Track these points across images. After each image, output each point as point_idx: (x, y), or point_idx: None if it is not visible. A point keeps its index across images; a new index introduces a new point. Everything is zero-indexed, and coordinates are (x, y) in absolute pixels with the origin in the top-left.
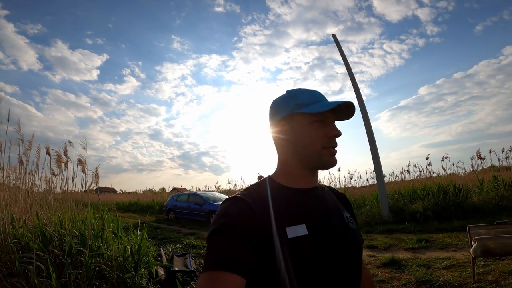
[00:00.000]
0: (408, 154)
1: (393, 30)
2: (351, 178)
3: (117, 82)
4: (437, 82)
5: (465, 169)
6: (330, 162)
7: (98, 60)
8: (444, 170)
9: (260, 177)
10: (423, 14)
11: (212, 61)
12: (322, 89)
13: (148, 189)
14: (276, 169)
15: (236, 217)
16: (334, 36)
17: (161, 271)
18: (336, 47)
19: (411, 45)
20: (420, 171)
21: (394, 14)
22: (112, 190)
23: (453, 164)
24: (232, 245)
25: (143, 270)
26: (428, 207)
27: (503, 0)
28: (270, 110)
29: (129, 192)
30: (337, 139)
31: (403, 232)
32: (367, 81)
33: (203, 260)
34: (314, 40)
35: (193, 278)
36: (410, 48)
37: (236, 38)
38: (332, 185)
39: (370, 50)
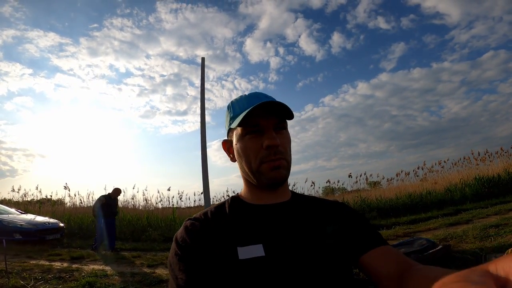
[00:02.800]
0: (227, 182)
1: (247, 70)
2: (180, 198)
3: None
4: None
5: None
6: (272, 177)
7: None
8: None
9: (116, 189)
10: (274, 62)
11: (43, 39)
12: (167, 106)
13: None
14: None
15: (178, 239)
16: (203, 59)
17: None
18: (200, 69)
19: (254, 87)
20: None
21: (255, 56)
22: None
23: None
24: (176, 267)
25: None
26: None
27: (325, 64)
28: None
29: None
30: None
31: None
32: (211, 109)
33: None
34: (180, 56)
35: None
36: (252, 89)
37: (96, 25)
38: (160, 205)
39: (224, 82)
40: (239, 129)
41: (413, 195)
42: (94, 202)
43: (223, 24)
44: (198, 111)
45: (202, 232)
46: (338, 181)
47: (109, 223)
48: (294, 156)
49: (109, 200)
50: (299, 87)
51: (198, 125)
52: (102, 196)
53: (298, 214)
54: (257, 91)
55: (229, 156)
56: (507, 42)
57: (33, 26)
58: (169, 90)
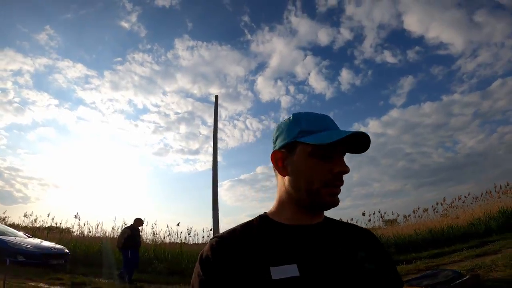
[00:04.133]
0: (236, 221)
1: (259, 109)
2: (188, 234)
3: None
4: (270, 165)
5: None
6: (329, 202)
7: None
8: None
9: (138, 220)
10: (285, 101)
11: (72, 70)
12: (179, 144)
13: None
14: (273, 205)
15: (203, 257)
16: (216, 97)
17: None
18: (214, 107)
19: (265, 127)
20: None
21: (267, 94)
22: None
23: None
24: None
25: None
26: None
27: (335, 102)
28: (273, 134)
29: None
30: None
31: None
32: (223, 149)
33: None
34: (195, 94)
35: None
36: (264, 129)
37: (120, 58)
38: (168, 239)
39: (235, 121)
40: (309, 147)
41: (433, 230)
42: (118, 234)
43: (235, 62)
44: (210, 150)
45: (230, 250)
46: (352, 219)
47: (134, 254)
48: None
49: (133, 231)
50: None
51: (209, 164)
52: (126, 228)
53: (331, 236)
54: (326, 115)
55: (276, 168)
56: None
57: (64, 56)
58: (183, 129)
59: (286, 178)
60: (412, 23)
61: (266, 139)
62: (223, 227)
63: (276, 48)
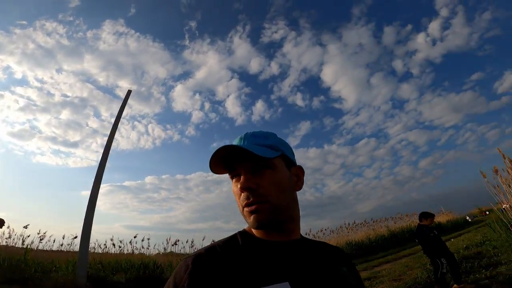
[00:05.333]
0: (109, 230)
1: (167, 116)
2: (40, 240)
3: None
4: (163, 176)
5: (159, 251)
6: (252, 221)
7: None
8: (144, 248)
9: None
10: (196, 116)
11: None
12: (55, 132)
13: None
14: None
15: (177, 282)
16: (129, 92)
17: None
18: (122, 101)
19: (167, 137)
20: (120, 247)
21: (180, 104)
22: None
23: (149, 245)
24: None
25: None
26: (131, 279)
27: (243, 129)
28: (282, 143)
29: None
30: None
31: None
32: (111, 149)
33: None
34: (98, 81)
35: None
36: (165, 139)
37: (24, 22)
38: (6, 241)
39: (136, 122)
40: (228, 174)
41: None
42: None
43: (161, 62)
44: (93, 146)
45: (214, 272)
46: None
47: None
48: (193, 215)
49: None
50: (213, 147)
51: (85, 162)
52: None
53: (314, 252)
54: (247, 131)
55: (297, 181)
56: (378, 131)
57: None
58: (65, 114)
59: (295, 194)
60: (328, 74)
61: (165, 149)
62: (94, 236)
63: (208, 61)
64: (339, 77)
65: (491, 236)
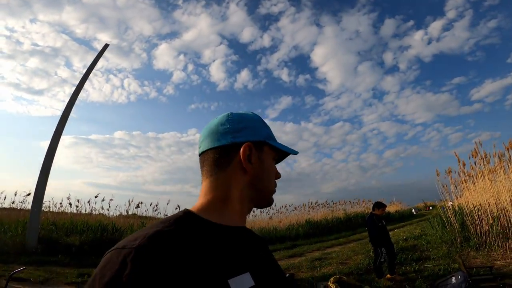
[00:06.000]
0: (68, 187)
1: (145, 73)
2: None
3: None
4: (133, 132)
5: (121, 212)
6: (270, 201)
7: None
8: (104, 209)
9: None
10: (177, 76)
11: None
12: (19, 79)
13: None
14: (205, 201)
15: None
16: (106, 45)
17: None
18: (98, 54)
19: (144, 93)
20: (77, 207)
21: (162, 63)
22: None
23: (110, 206)
24: None
25: None
26: (86, 242)
27: (223, 95)
28: (229, 123)
29: None
30: None
31: (58, 265)
32: (80, 99)
33: None
34: (76, 33)
35: None
36: (141, 95)
37: None
38: None
39: (111, 76)
40: (273, 152)
41: (264, 229)
42: None
43: (148, 20)
44: (60, 96)
45: (167, 271)
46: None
47: None
48: (162, 176)
49: None
50: (191, 109)
51: (49, 111)
52: None
53: (256, 240)
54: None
55: (244, 160)
56: (354, 117)
57: None
58: (34, 62)
59: (247, 175)
60: (318, 55)
61: (139, 105)
62: (50, 194)
63: (199, 24)
64: (329, 59)
65: (429, 231)
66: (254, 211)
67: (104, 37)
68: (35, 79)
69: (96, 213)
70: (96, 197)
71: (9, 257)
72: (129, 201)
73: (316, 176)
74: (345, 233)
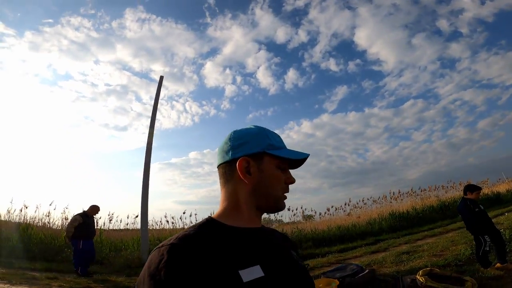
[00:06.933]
0: (164, 206)
1: (201, 93)
2: (110, 220)
3: None
4: (204, 151)
5: None
6: (283, 206)
7: None
8: (193, 223)
9: (93, 207)
10: (229, 90)
11: None
12: (105, 117)
13: None
14: (221, 209)
15: (180, 273)
16: (162, 77)
17: None
18: (157, 88)
19: (204, 112)
20: (173, 223)
21: (212, 80)
22: None
23: (196, 220)
24: None
25: None
26: None
27: (277, 99)
28: (231, 141)
29: None
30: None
31: None
32: (156, 129)
33: None
34: (133, 67)
35: None
36: (202, 114)
37: (51, 20)
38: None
39: (174, 102)
40: (276, 159)
41: (341, 227)
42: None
43: (187, 43)
44: (140, 129)
45: (190, 260)
46: (278, 213)
47: (88, 244)
48: None
49: (86, 219)
50: (249, 119)
51: (137, 144)
52: (78, 215)
53: (274, 238)
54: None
55: (241, 173)
56: (426, 91)
57: None
58: (112, 101)
59: (250, 185)
60: (362, 37)
61: (203, 125)
62: (151, 213)
63: (233, 36)
64: (375, 40)
65: None
66: (329, 210)
67: (157, 67)
68: (117, 117)
69: (187, 226)
70: (184, 213)
71: (131, 271)
72: (210, 214)
73: (395, 163)
74: (441, 222)
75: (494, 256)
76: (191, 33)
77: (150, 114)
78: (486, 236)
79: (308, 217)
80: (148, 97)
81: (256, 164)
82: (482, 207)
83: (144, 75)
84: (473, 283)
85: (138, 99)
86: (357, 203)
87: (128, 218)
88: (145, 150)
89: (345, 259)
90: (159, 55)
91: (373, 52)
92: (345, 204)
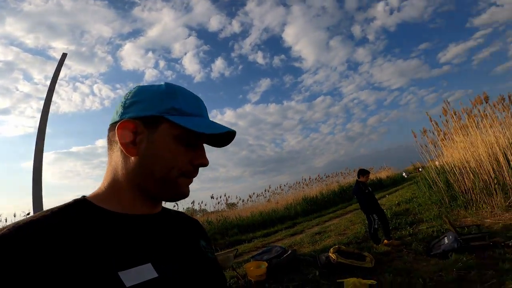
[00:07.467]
0: (61, 202)
1: (115, 76)
2: None
3: None
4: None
5: None
6: (183, 193)
7: None
8: None
9: None
10: (150, 74)
11: None
12: None
13: None
14: (100, 187)
15: (4, 280)
16: (65, 55)
17: None
18: (57, 65)
19: (118, 96)
20: None
21: (130, 63)
22: None
23: None
24: None
25: None
26: None
27: (202, 86)
28: (125, 97)
29: None
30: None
31: None
32: (52, 113)
33: None
34: (26, 43)
35: None
36: (115, 98)
37: None
38: None
39: (78, 83)
40: (178, 129)
41: (263, 213)
42: None
43: (105, 21)
44: (28, 112)
45: (44, 257)
46: (202, 202)
47: None
48: None
49: None
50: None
51: (23, 130)
52: None
53: (174, 227)
54: (192, 92)
55: (121, 142)
56: (333, 89)
57: None
58: None
59: (133, 158)
60: (290, 34)
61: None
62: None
63: (162, 19)
64: (301, 38)
65: (418, 194)
66: (251, 197)
67: (59, 45)
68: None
69: None
70: None
71: None
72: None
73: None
74: (342, 205)
75: (381, 233)
76: (112, 11)
77: (41, 95)
78: (374, 215)
79: (231, 205)
80: (42, 76)
81: (146, 131)
82: (371, 189)
83: (39, 52)
84: (371, 258)
85: (28, 78)
86: (275, 190)
87: (15, 217)
88: (32, 137)
89: (269, 242)
90: (64, 32)
91: (297, 49)
92: (265, 191)
